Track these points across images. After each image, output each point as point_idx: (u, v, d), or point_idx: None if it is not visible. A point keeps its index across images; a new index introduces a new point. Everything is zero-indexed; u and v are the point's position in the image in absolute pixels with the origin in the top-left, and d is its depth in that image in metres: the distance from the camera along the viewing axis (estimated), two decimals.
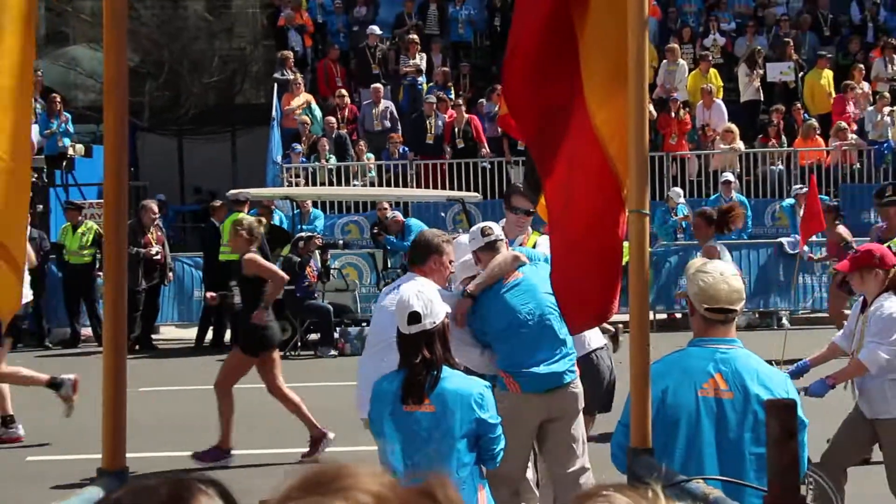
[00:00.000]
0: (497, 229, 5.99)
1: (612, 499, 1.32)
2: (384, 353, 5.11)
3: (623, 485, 1.37)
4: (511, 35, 3.89)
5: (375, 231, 16.15)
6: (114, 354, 2.41)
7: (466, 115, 19.24)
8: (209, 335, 15.79)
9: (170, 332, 16.95)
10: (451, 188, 18.75)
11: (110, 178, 2.45)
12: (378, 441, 4.40)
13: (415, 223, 15.90)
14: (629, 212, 3.04)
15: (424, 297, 4.25)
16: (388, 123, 19.85)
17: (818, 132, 19.12)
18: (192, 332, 16.12)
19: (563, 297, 3.89)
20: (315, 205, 18.07)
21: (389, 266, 16.30)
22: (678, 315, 15.50)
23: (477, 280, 5.82)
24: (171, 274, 15.86)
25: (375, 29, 20.86)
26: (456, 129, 19.16)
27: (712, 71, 20.17)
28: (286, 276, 9.54)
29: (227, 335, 15.59)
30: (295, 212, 16.83)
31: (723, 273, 3.80)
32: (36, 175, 17.52)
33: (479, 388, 4.28)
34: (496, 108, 19.69)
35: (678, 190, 17.86)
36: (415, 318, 4.22)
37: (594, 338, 6.32)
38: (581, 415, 5.77)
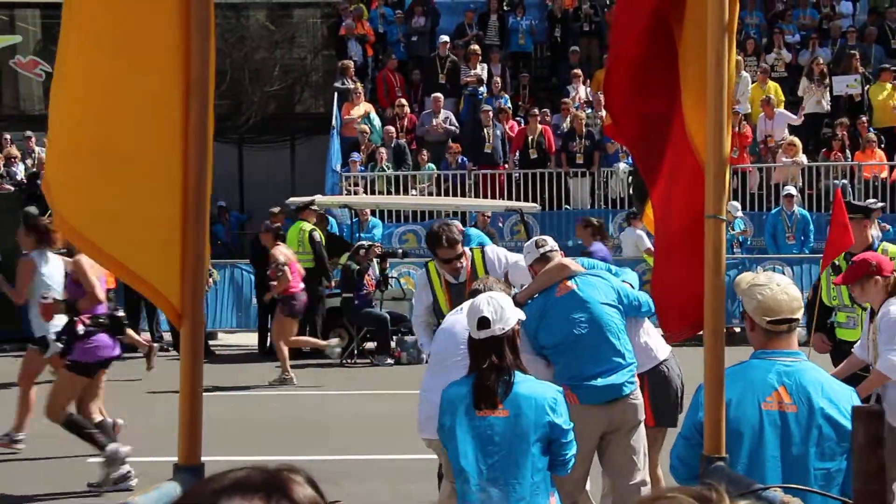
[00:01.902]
0: (551, 241, 6.01)
1: (678, 500, 1.34)
2: (447, 374, 5.16)
3: (688, 487, 1.39)
4: (612, 42, 3.95)
5: None
6: (191, 345, 2.49)
7: (540, 126, 19.29)
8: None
9: (228, 339, 17.16)
10: (510, 198, 18.78)
11: (191, 190, 2.53)
12: (448, 447, 4.44)
13: (474, 233, 15.93)
14: (706, 217, 3.06)
15: (495, 302, 4.29)
16: (447, 134, 19.95)
17: (877, 145, 18.86)
18: (250, 338, 16.31)
19: (662, 305, 3.92)
20: (373, 213, 18.20)
21: None
22: (736, 329, 15.35)
23: (524, 291, 5.85)
24: (210, 280, 16.02)
25: (445, 38, 20.95)
26: (529, 139, 19.19)
27: (772, 84, 19.98)
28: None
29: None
30: (353, 220, 16.96)
31: (779, 283, 3.79)
32: None
33: (553, 393, 4.31)
34: (566, 121, 19.72)
35: (735, 203, 17.70)
36: (484, 323, 4.26)
37: (661, 348, 6.23)
38: (642, 426, 5.76)
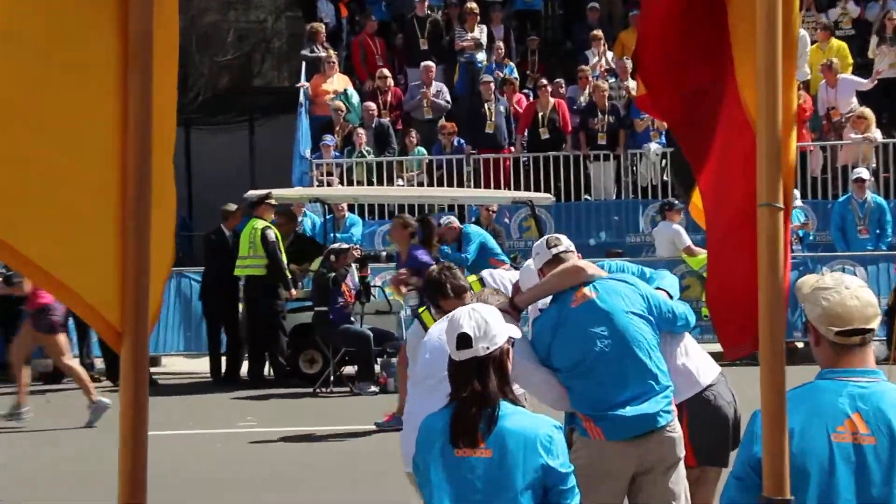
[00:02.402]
0: (566, 240, 6.02)
1: None
2: (438, 394, 5.16)
3: None
4: (644, 2, 3.95)
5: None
6: (134, 372, 2.50)
7: (553, 100, 19.32)
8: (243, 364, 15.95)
9: (175, 364, 17.16)
10: (517, 188, 18.81)
11: (131, 183, 2.55)
12: (423, 492, 4.44)
13: (474, 231, 15.96)
14: (759, 206, 3.07)
15: (478, 316, 4.28)
16: (439, 111, 19.98)
17: None
18: (201, 364, 16.32)
19: (718, 314, 3.92)
20: (351, 209, 18.23)
21: None
22: (799, 344, 15.38)
23: (527, 292, 5.85)
24: None
25: None
26: (540, 116, 19.23)
27: (836, 43, 20.00)
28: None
29: (245, 366, 15.75)
30: (327, 217, 16.99)
31: (849, 286, 3.79)
32: None
33: (547, 429, 4.29)
34: (584, 93, 19.76)
35: (794, 191, 17.76)
36: (465, 341, 4.24)
37: (706, 371, 6.16)
38: (681, 465, 5.76)
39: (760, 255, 3.08)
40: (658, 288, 5.99)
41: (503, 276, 7.00)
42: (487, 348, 4.24)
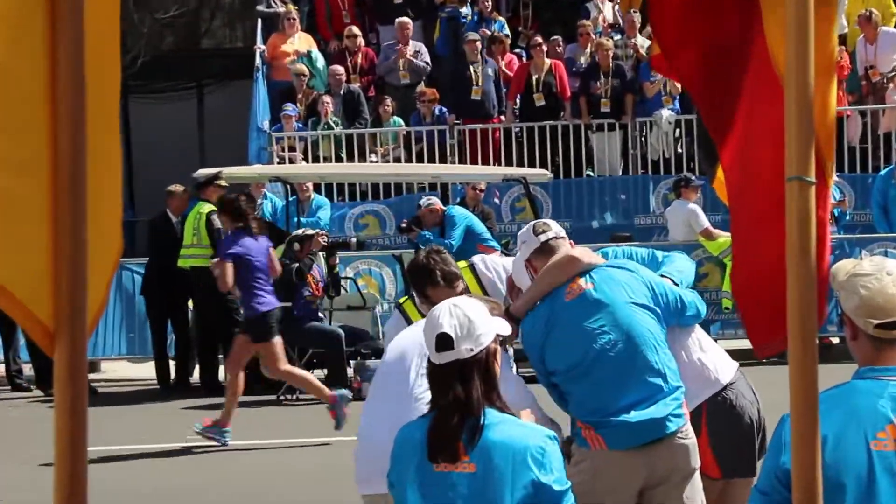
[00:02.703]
0: (555, 226, 6.03)
1: None
2: (397, 401, 5.19)
3: None
4: None
5: (404, 225, 16.26)
6: (70, 378, 2.51)
7: (549, 61, 19.32)
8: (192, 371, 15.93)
9: (116, 370, 17.15)
10: (508, 163, 18.82)
11: (64, 160, 2.55)
12: None
13: (459, 213, 15.96)
14: (787, 180, 3.10)
15: (460, 313, 4.29)
16: (418, 74, 19.96)
17: None
18: (146, 369, 16.31)
19: (746, 306, 3.94)
20: (318, 189, 18.22)
21: None
22: (834, 339, 15.45)
23: (522, 296, 5.86)
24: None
25: None
26: (535, 80, 19.22)
27: None
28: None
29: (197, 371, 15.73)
30: (290, 199, 16.98)
31: (890, 272, 3.82)
32: None
33: (539, 440, 4.30)
34: (585, 52, 19.76)
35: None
36: (445, 342, 4.26)
37: (724, 368, 6.17)
38: (697, 476, 5.80)
39: (790, 237, 3.10)
40: (662, 275, 6.00)
41: (496, 263, 7.01)
42: (471, 350, 4.25)
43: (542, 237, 5.89)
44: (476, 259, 7.13)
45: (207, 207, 15.15)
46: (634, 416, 5.55)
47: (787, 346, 3.59)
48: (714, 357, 6.15)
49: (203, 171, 15.93)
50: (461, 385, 4.25)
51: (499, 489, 4.21)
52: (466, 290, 6.49)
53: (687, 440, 5.70)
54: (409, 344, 5.48)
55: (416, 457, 4.30)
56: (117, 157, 3.00)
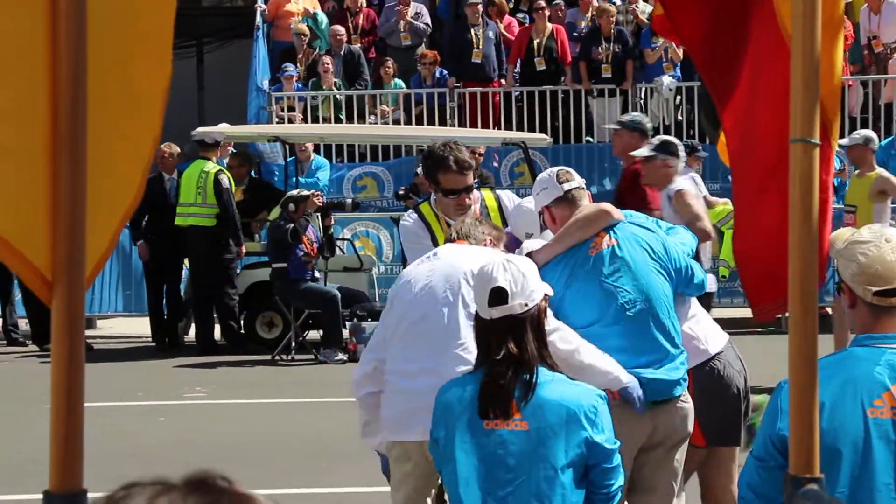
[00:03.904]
0: (577, 176, 6.01)
1: None
2: (428, 341, 5.13)
3: None
4: None
5: (402, 192, 16.21)
6: (68, 329, 2.50)
7: (551, 25, 19.25)
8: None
9: (112, 327, 17.17)
10: (508, 127, 18.79)
11: (63, 110, 2.54)
12: (444, 472, 4.45)
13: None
14: (791, 141, 3.08)
15: (514, 268, 4.30)
16: (418, 36, 19.89)
17: None
18: (141, 325, 16.33)
19: (747, 269, 3.93)
20: (317, 150, 18.19)
21: None
22: (829, 310, 15.44)
23: (547, 245, 5.83)
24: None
25: None
26: (535, 44, 19.16)
27: None
28: None
29: (193, 330, 15.76)
30: (288, 159, 16.95)
31: (889, 239, 3.81)
32: None
33: (591, 399, 4.33)
34: (586, 17, 19.68)
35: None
36: (500, 296, 4.26)
37: (713, 337, 6.20)
38: (687, 443, 5.83)
39: (792, 199, 3.09)
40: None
41: (514, 197, 6.95)
42: (525, 305, 4.27)
43: (566, 185, 5.84)
44: (501, 193, 7.05)
45: (213, 167, 15.12)
46: (649, 374, 5.58)
47: (785, 309, 3.59)
48: (704, 327, 6.18)
49: (202, 130, 15.88)
50: (514, 340, 4.26)
51: (552, 447, 4.24)
52: (485, 214, 6.51)
53: (687, 405, 5.75)
54: (439, 284, 5.29)
55: (465, 414, 4.32)
56: (151, 103, 2.96)
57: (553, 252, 5.75)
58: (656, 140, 10.03)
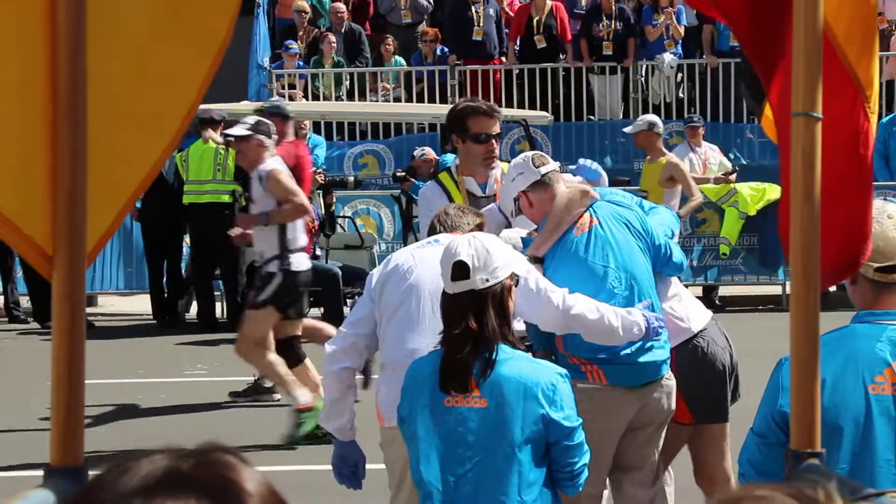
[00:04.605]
0: (550, 160, 6.02)
1: (771, 500, 1.35)
2: (421, 327, 5.13)
3: (783, 484, 1.40)
4: None
5: (400, 174, 16.19)
6: (68, 301, 2.50)
7: (550, 3, 19.20)
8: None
9: (113, 305, 17.16)
10: (509, 105, 18.77)
11: (63, 77, 2.52)
12: (409, 448, 4.45)
13: (452, 160, 15.87)
14: (793, 115, 3.06)
15: (478, 244, 4.29)
16: (419, 14, 19.85)
17: None
18: (142, 303, 16.33)
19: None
20: (316, 128, 18.16)
21: (417, 218, 16.38)
22: (831, 287, 15.46)
23: (542, 236, 5.83)
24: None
25: None
26: (535, 21, 19.11)
27: None
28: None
29: (195, 308, 15.77)
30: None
31: (891, 215, 3.81)
32: None
33: (550, 377, 4.32)
34: None
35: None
36: (461, 271, 4.26)
37: (695, 315, 6.17)
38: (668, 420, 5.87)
39: (794, 175, 3.07)
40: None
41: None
42: (487, 280, 4.26)
43: (543, 169, 5.85)
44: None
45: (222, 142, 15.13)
46: (638, 355, 5.58)
47: (827, 284, 3.56)
48: (685, 306, 6.17)
49: (204, 107, 15.83)
50: (474, 316, 4.25)
51: (509, 424, 4.23)
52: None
53: (671, 382, 5.78)
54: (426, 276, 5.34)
55: (427, 390, 4.31)
56: (178, 80, 2.94)
57: (552, 241, 5.75)
58: (251, 119, 10.07)
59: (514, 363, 4.29)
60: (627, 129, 14.23)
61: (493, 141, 6.42)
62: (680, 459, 6.40)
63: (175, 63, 2.89)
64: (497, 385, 4.24)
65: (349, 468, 5.47)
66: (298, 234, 9.83)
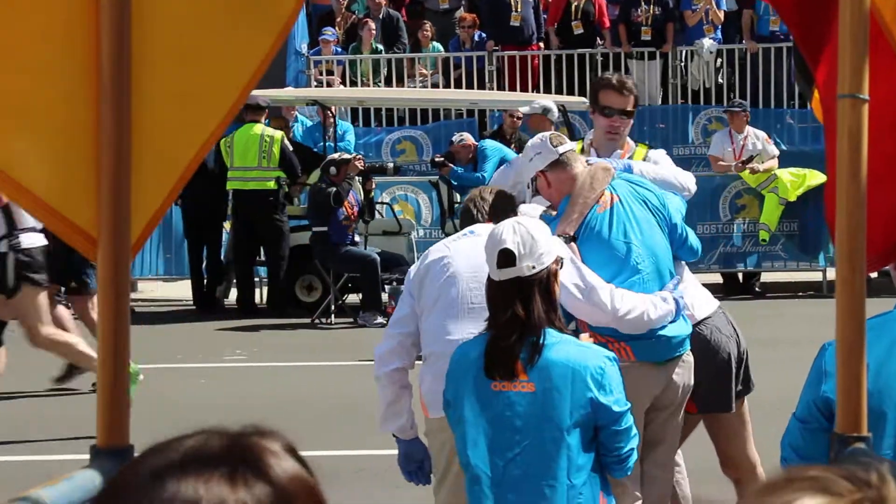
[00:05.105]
0: (568, 139, 6.00)
1: (823, 482, 1.34)
2: (470, 318, 5.12)
3: (833, 466, 1.39)
4: None
5: (439, 159, 16.19)
6: (113, 284, 2.50)
7: None
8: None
9: (153, 290, 17.26)
10: (547, 91, 18.73)
11: (107, 58, 2.53)
12: (455, 433, 4.46)
13: (491, 146, 15.87)
14: (839, 97, 3.04)
15: (523, 230, 4.29)
16: None
17: None
18: (183, 289, 16.42)
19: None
20: (354, 114, 18.18)
21: (457, 203, 16.37)
22: (872, 274, 15.39)
23: (569, 214, 5.81)
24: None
25: None
26: (573, 7, 19.07)
27: None
28: None
29: (234, 293, 15.85)
30: (317, 124, 16.97)
31: None
32: None
33: (598, 360, 4.32)
34: None
35: None
36: (507, 258, 4.26)
37: (702, 303, 6.10)
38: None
39: (840, 157, 3.05)
40: None
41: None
42: (533, 267, 4.26)
43: (561, 149, 5.83)
44: (654, 151, 7.06)
45: (271, 131, 15.19)
46: (666, 331, 5.57)
47: (876, 267, 3.53)
48: (693, 293, 6.13)
49: (251, 93, 15.89)
50: (521, 303, 4.26)
51: (558, 408, 4.24)
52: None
53: (691, 359, 5.76)
54: (461, 265, 5.35)
55: (472, 374, 4.32)
56: (234, 58, 2.94)
57: (581, 219, 5.73)
58: None
59: (561, 347, 4.30)
60: (523, 109, 14.16)
61: (619, 117, 6.40)
62: (692, 442, 6.39)
63: (230, 43, 2.88)
64: (545, 369, 4.26)
65: (415, 464, 5.49)
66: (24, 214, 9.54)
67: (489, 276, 4.37)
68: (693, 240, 5.93)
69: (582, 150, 6.48)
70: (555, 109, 13.55)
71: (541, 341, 4.27)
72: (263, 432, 1.43)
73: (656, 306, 5.31)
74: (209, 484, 1.35)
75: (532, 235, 4.29)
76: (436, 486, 5.48)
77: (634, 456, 4.45)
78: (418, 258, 14.34)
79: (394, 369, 5.39)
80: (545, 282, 4.31)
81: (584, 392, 4.26)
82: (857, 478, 1.36)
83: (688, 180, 6.30)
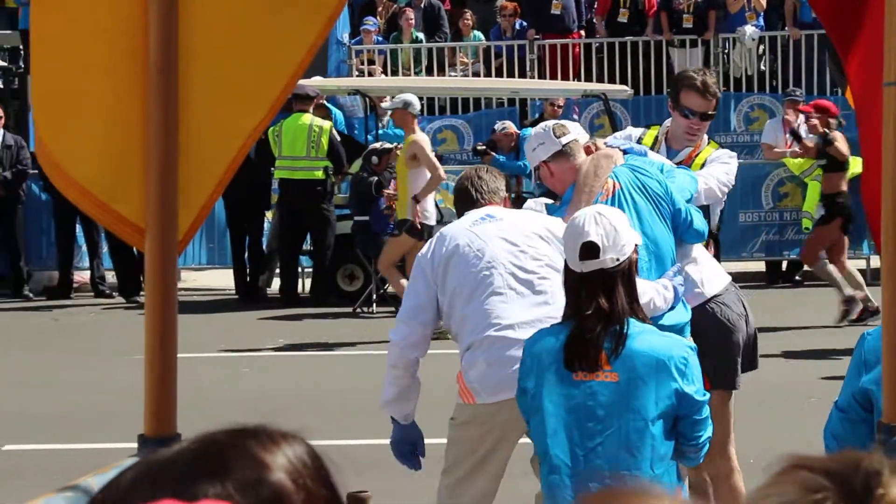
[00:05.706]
0: (573, 127, 5.99)
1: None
2: (520, 300, 5.17)
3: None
4: None
5: (481, 147, 16.20)
6: (161, 271, 2.54)
7: None
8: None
9: (196, 280, 17.34)
10: (588, 79, 18.69)
11: (155, 48, 2.57)
12: (532, 423, 4.47)
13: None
14: (884, 85, 3.05)
15: (605, 221, 4.30)
16: None
17: None
18: (225, 278, 16.48)
19: (877, 213, 3.91)
20: None
21: None
22: None
23: (576, 203, 5.80)
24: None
25: None
26: None
27: None
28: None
29: (276, 283, 15.90)
30: (369, 113, 16.98)
31: None
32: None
33: (682, 350, 4.34)
34: None
35: None
36: (591, 250, 4.26)
37: (712, 279, 6.10)
38: None
39: (886, 144, 3.06)
40: None
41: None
42: (617, 259, 4.28)
43: (564, 139, 5.82)
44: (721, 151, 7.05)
45: (320, 121, 15.21)
46: (665, 319, 5.55)
47: None
48: (701, 269, 6.11)
49: (300, 83, 15.91)
50: (605, 295, 4.27)
51: (643, 398, 4.25)
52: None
53: (693, 344, 5.75)
54: (517, 240, 5.37)
55: (554, 365, 4.33)
56: (281, 47, 2.96)
57: (590, 202, 5.74)
58: None
59: (644, 337, 4.31)
60: (385, 105, 14.17)
61: (698, 119, 6.36)
62: None
63: (276, 35, 2.90)
64: (629, 359, 4.26)
65: (409, 446, 5.53)
66: None
67: (568, 267, 4.37)
68: (698, 222, 5.88)
69: (655, 140, 6.47)
70: (416, 103, 13.60)
71: (624, 331, 4.28)
72: (261, 434, 1.45)
73: (661, 294, 5.32)
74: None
75: (615, 227, 4.31)
76: (462, 478, 5.48)
77: (708, 445, 4.46)
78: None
79: (414, 359, 5.46)
80: (627, 272, 4.33)
81: (668, 382, 4.27)
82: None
83: (721, 184, 6.29)
